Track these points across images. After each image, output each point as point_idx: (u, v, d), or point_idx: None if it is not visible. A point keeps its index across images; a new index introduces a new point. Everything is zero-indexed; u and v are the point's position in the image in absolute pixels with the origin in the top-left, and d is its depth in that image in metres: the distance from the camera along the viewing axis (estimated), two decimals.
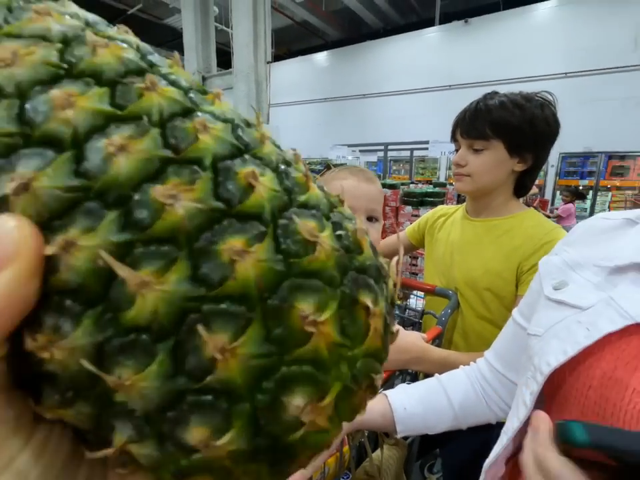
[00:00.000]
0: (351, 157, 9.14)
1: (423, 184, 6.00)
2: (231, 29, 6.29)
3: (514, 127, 0.78)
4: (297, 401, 0.14)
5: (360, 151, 9.23)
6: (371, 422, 0.53)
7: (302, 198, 0.17)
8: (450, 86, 9.79)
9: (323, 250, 0.15)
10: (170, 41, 11.77)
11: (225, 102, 0.19)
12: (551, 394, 0.41)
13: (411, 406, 0.53)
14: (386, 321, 0.17)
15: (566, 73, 8.21)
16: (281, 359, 0.14)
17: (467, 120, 0.83)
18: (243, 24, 6.00)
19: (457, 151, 0.87)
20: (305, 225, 0.15)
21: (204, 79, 6.81)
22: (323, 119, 12.94)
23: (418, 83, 10.60)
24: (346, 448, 0.66)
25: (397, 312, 0.89)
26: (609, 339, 0.37)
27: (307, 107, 13.35)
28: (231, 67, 6.17)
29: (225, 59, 6.99)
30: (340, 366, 0.15)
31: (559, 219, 5.91)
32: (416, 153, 8.61)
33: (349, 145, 8.64)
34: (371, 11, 11.46)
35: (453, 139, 0.88)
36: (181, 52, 6.49)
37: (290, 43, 13.89)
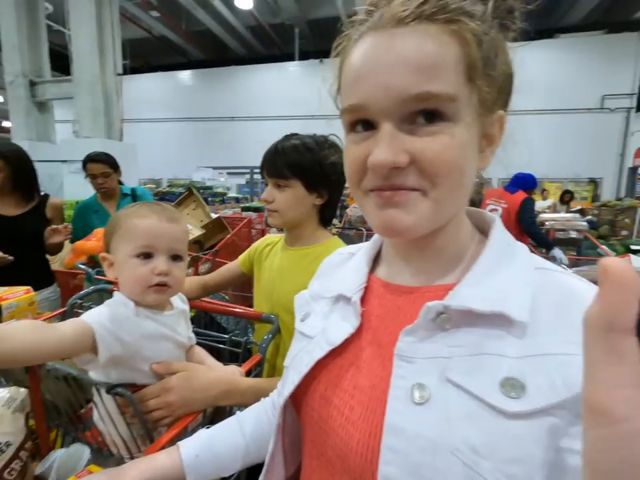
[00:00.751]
0: (222, 178, 8.99)
1: None
2: (69, 31, 5.51)
3: (307, 168, 0.88)
4: None
5: (227, 173, 9.15)
6: (163, 478, 0.49)
7: None
8: (312, 116, 10.69)
9: None
10: None
11: None
12: (302, 420, 0.44)
13: (203, 451, 0.51)
14: None
15: None
16: None
17: (268, 161, 0.91)
18: (85, 29, 5.33)
19: (265, 185, 0.94)
20: None
21: (33, 83, 5.73)
22: (188, 139, 12.39)
23: (283, 111, 11.23)
24: None
25: (222, 345, 0.88)
26: (324, 364, 0.41)
27: (171, 126, 12.60)
28: (70, 74, 5.37)
29: (63, 64, 6.02)
30: None
31: None
32: None
33: (215, 167, 8.47)
34: (235, 39, 11.72)
35: (262, 176, 0.95)
36: None
37: (148, 55, 12.96)
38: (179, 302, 0.75)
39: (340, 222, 5.37)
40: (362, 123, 0.34)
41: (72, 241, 1.97)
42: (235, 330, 1.47)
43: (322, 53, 10.97)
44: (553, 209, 6.42)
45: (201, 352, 0.76)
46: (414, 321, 0.34)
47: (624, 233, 4.86)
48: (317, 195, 0.92)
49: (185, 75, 12.67)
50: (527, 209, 3.08)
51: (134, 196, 2.28)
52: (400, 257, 0.41)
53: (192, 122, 12.43)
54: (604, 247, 3.79)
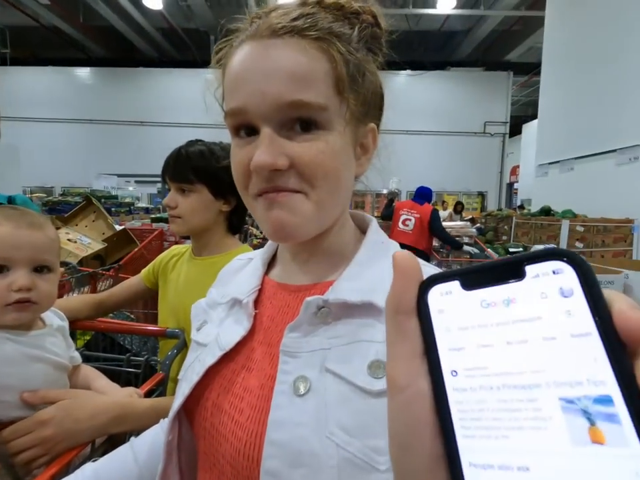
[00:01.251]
0: (131, 188, 8.19)
1: None
2: None
3: (213, 173, 0.88)
4: None
5: (136, 182, 8.40)
6: None
7: None
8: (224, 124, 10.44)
9: None
10: None
11: None
12: (195, 433, 0.42)
13: None
14: None
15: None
16: None
17: (171, 165, 0.88)
18: None
19: (168, 191, 0.90)
20: None
21: None
22: (88, 143, 11.05)
23: (199, 118, 10.76)
24: None
25: (120, 367, 0.81)
26: (216, 370, 0.40)
27: (67, 128, 11.12)
28: None
29: None
30: None
31: None
32: None
33: (121, 175, 7.70)
34: (144, 39, 10.93)
35: (164, 181, 0.90)
36: None
37: (35, 46, 11.32)
38: (54, 318, 0.67)
39: (261, 232, 5.31)
40: (244, 128, 0.36)
41: None
42: (142, 351, 1.35)
43: None
44: (449, 217, 7.34)
45: (90, 373, 0.69)
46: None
47: (504, 238, 5.73)
48: (224, 201, 0.91)
49: (84, 72, 11.36)
50: (436, 218, 3.62)
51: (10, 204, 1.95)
52: (292, 259, 0.44)
53: (93, 124, 11.15)
54: (489, 250, 4.44)
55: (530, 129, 10.12)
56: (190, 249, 0.99)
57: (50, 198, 4.89)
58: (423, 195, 3.70)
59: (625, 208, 4.44)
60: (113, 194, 6.07)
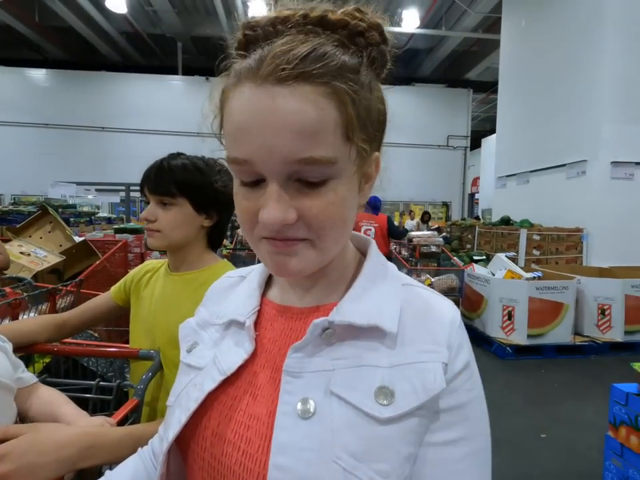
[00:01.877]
0: (90, 196, 7.75)
1: None
2: None
3: (196, 188, 0.85)
4: None
5: (96, 190, 7.97)
6: None
7: None
8: (197, 133, 10.25)
9: None
10: None
11: None
12: (188, 464, 0.40)
13: None
14: None
15: None
16: None
17: (152, 178, 0.84)
18: None
19: (146, 204, 0.87)
20: None
21: None
22: (43, 148, 10.41)
23: (165, 125, 10.47)
24: None
25: (87, 394, 0.75)
26: (215, 397, 0.38)
27: (18, 131, 10.42)
28: None
29: None
30: None
31: None
32: None
33: (80, 183, 7.29)
34: (106, 43, 10.54)
35: (142, 194, 0.88)
36: None
37: None
38: None
39: (231, 242, 5.18)
40: (250, 176, 0.34)
41: None
42: (108, 372, 1.26)
43: (207, 70, 10.73)
44: (417, 227, 7.58)
45: (57, 398, 0.63)
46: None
47: (469, 246, 5.99)
48: (205, 216, 0.88)
49: (39, 74, 10.75)
50: (393, 225, 4.18)
51: None
52: (291, 281, 0.43)
53: (49, 129, 10.53)
54: (455, 258, 4.62)
55: (489, 143, 10.74)
56: (166, 264, 0.94)
57: (0, 207, 4.53)
58: (375, 206, 4.08)
59: (575, 218, 4.80)
60: (71, 203, 5.72)
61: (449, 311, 0.39)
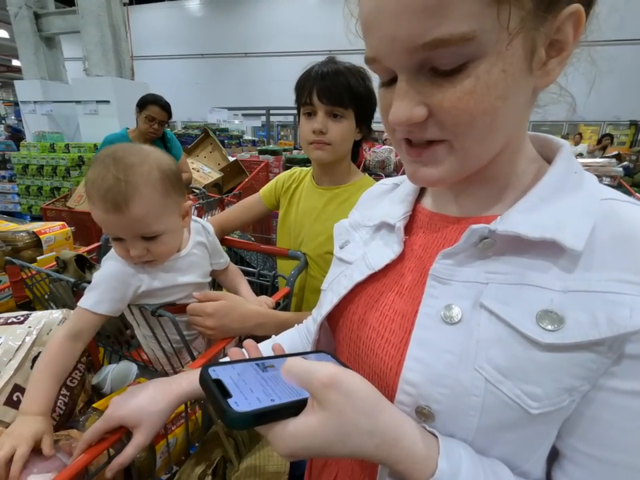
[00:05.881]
0: (237, 121, 8.70)
1: None
2: None
3: (362, 97, 0.81)
4: None
5: (242, 115, 8.81)
6: None
7: None
8: (330, 51, 9.94)
9: None
10: None
11: None
12: (337, 339, 0.46)
13: None
14: None
15: None
16: None
17: (328, 84, 0.78)
18: None
19: (307, 115, 0.82)
20: None
21: (37, 16, 5.44)
22: (201, 77, 11.81)
23: (299, 46, 10.43)
24: (196, 415, 0.67)
25: (251, 278, 0.93)
26: (362, 287, 0.42)
27: (182, 63, 11.98)
28: (74, 5, 5.04)
29: None
30: None
31: None
32: None
33: (230, 108, 8.14)
34: None
35: (301, 102, 0.82)
36: None
37: None
38: (196, 237, 0.77)
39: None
40: (384, 73, 0.32)
41: None
42: (264, 268, 1.54)
43: None
44: (590, 153, 5.81)
45: (237, 278, 0.84)
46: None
47: None
48: (359, 130, 0.86)
49: (194, 5, 11.74)
50: None
51: (163, 139, 2.26)
52: (447, 188, 0.40)
53: (204, 59, 11.76)
54: (638, 194, 3.60)
55: None
56: (309, 174, 0.98)
57: (174, 131, 5.52)
58: None
59: None
60: (223, 127, 6.53)
61: None
